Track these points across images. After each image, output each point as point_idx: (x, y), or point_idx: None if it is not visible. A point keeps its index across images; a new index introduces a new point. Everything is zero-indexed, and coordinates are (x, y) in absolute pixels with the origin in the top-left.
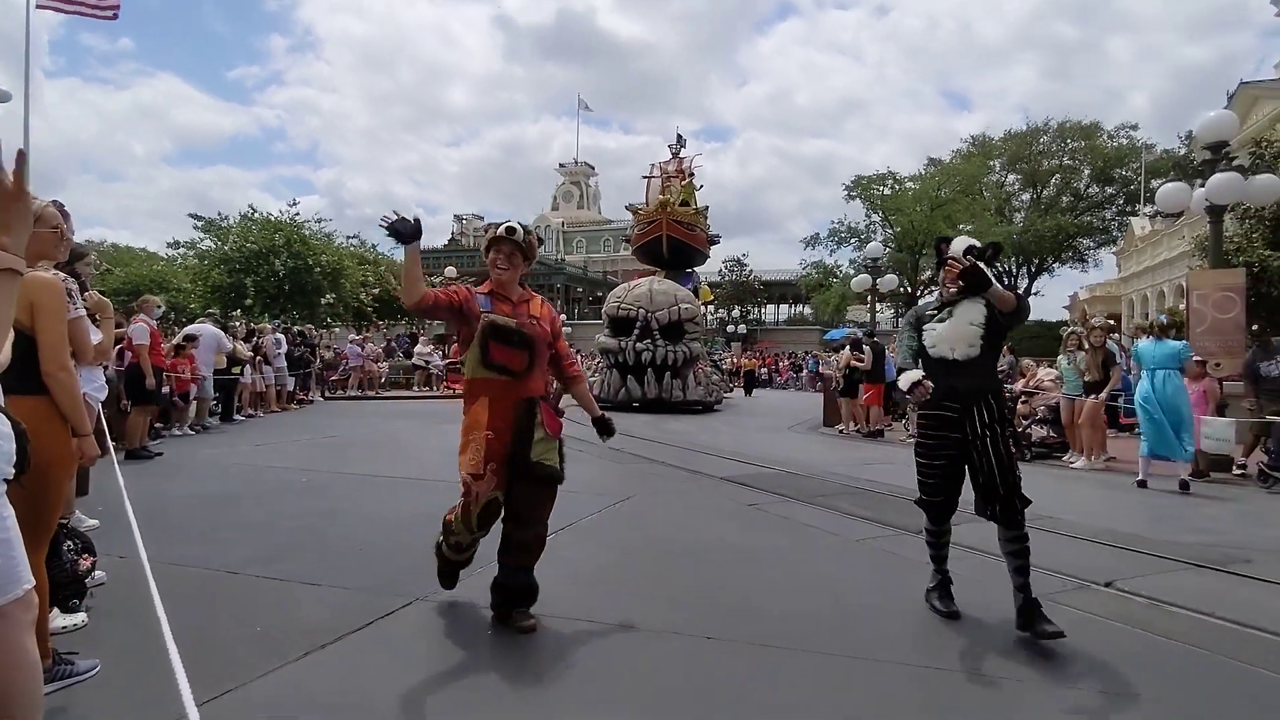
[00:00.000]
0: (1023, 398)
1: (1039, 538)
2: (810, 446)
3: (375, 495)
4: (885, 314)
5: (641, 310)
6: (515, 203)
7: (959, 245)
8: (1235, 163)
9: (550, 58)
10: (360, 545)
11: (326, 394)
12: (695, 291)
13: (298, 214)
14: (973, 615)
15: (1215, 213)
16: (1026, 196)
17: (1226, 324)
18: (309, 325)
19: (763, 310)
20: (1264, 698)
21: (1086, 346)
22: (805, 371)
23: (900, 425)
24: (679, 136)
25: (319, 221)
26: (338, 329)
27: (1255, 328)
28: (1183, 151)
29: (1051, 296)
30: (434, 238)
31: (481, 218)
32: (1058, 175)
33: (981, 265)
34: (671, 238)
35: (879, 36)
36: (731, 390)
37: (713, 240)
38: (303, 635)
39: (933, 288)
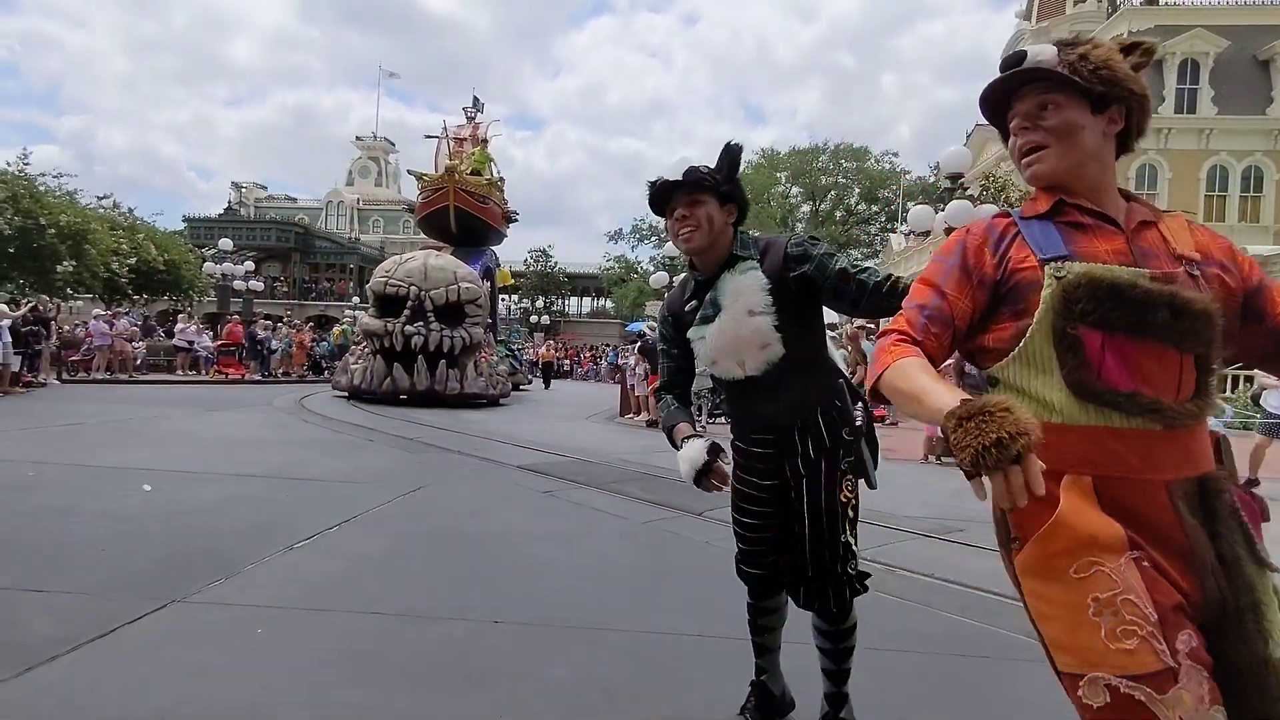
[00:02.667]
0: None
1: None
2: (606, 435)
3: (124, 490)
4: None
5: (413, 288)
6: (304, 174)
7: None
8: (968, 192)
9: (351, 23)
10: (102, 546)
11: (65, 376)
12: (489, 273)
13: (28, 165)
14: None
15: (950, 234)
16: (807, 209)
17: None
18: (41, 296)
19: (566, 302)
20: (961, 639)
21: (849, 348)
22: (605, 363)
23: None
24: (475, 99)
25: (58, 177)
26: (80, 302)
27: None
28: (931, 179)
29: None
30: (208, 205)
31: (265, 187)
32: (833, 191)
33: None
34: (460, 210)
35: (687, 44)
36: (530, 382)
37: (510, 218)
38: (22, 649)
39: None
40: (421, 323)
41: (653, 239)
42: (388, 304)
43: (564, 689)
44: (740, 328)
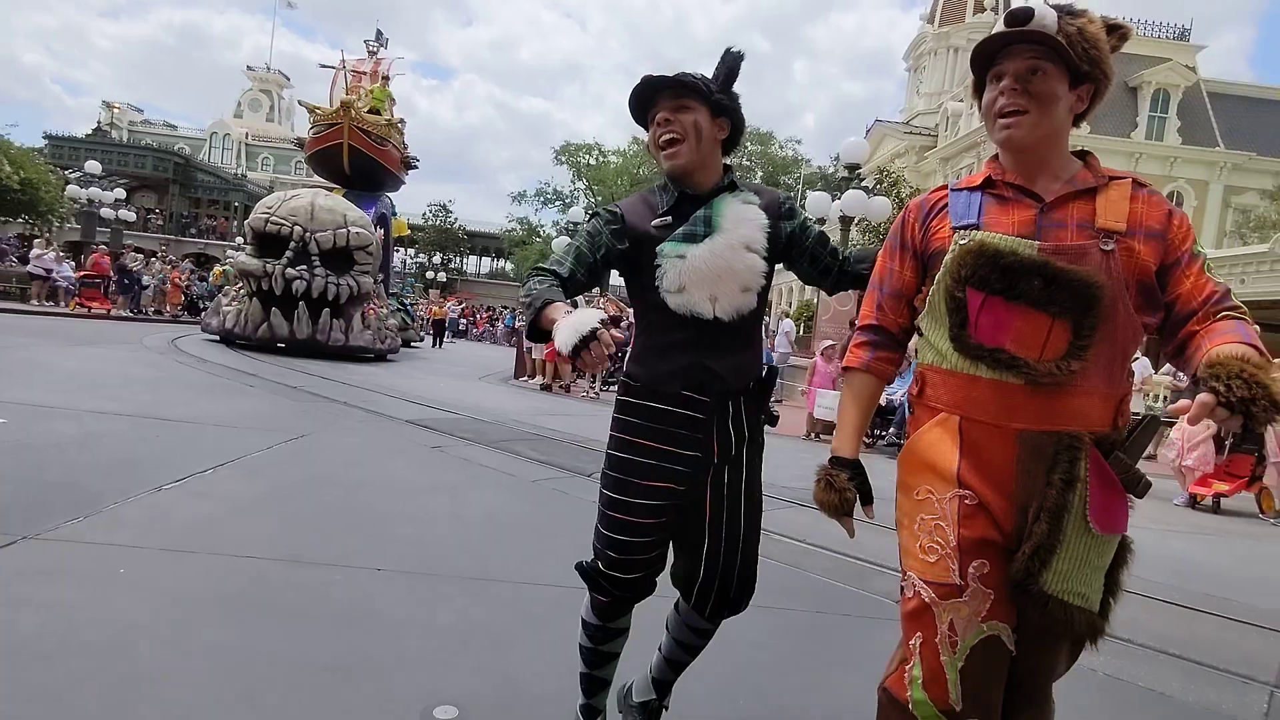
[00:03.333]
0: None
1: None
2: (498, 396)
3: None
4: None
5: (298, 228)
6: (188, 100)
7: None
8: (864, 184)
9: None
10: None
11: None
12: (384, 221)
13: None
14: None
15: (845, 222)
16: None
17: (843, 315)
18: None
19: (465, 261)
20: (828, 598)
21: None
22: (502, 325)
23: (585, 381)
24: (379, 33)
25: None
26: None
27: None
28: (831, 169)
29: None
30: (75, 123)
31: (141, 110)
32: (737, 172)
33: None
34: (354, 149)
35: (605, 7)
36: (422, 339)
37: (409, 163)
38: None
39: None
40: (305, 266)
41: (557, 203)
42: (268, 243)
43: (449, 634)
44: (734, 259)
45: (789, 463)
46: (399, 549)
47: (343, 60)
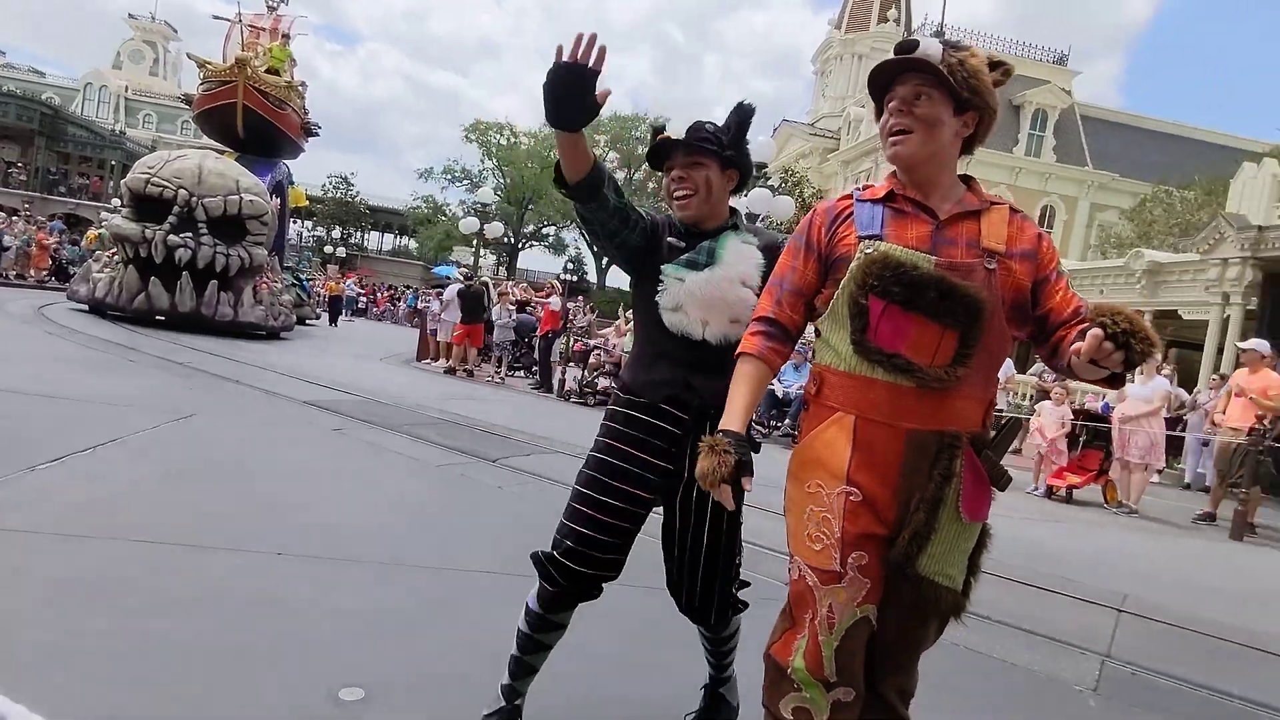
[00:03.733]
0: (595, 352)
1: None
2: (401, 378)
3: None
4: (489, 259)
5: (183, 191)
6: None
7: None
8: (769, 182)
9: None
10: None
11: None
12: (280, 190)
13: None
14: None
15: (751, 219)
16: (622, 176)
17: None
18: None
19: (366, 236)
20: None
21: None
22: (404, 305)
23: (490, 365)
24: None
25: None
26: None
27: None
28: None
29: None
30: None
31: (2, 53)
32: (646, 163)
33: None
34: (250, 110)
35: None
36: (319, 316)
37: (310, 130)
38: None
39: (534, 242)
40: (190, 234)
41: (465, 182)
42: (148, 206)
43: (355, 618)
44: (728, 291)
45: None
46: (302, 534)
47: (239, 14)
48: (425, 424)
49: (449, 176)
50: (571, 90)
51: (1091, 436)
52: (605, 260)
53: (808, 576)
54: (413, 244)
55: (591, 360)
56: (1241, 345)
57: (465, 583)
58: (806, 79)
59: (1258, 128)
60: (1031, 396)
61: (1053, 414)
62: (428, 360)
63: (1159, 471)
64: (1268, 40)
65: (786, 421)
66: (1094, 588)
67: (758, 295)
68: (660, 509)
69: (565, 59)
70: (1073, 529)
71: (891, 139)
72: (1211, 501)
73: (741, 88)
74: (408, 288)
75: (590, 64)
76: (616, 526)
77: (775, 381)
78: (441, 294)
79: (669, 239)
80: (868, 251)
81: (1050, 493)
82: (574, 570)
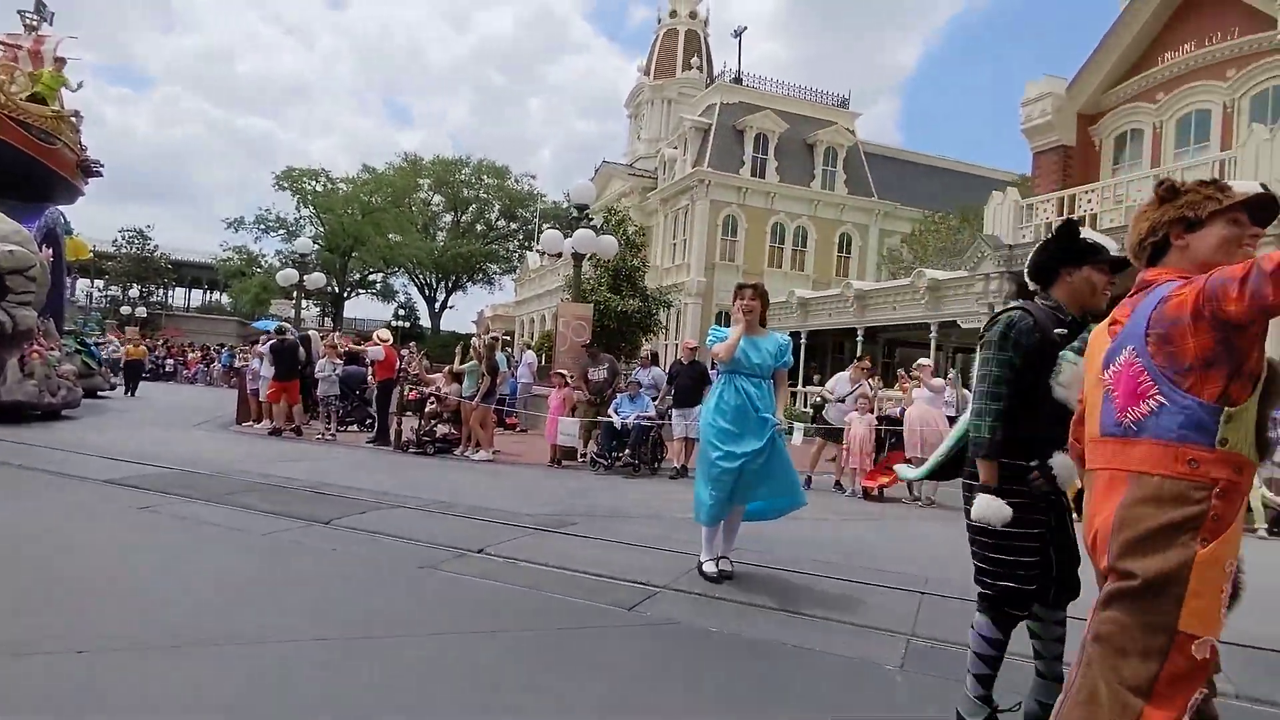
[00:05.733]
0: (431, 400)
1: (446, 523)
2: (219, 444)
3: None
4: (312, 311)
5: None
6: None
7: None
8: (593, 222)
9: None
10: None
11: None
12: (53, 239)
13: None
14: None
15: (577, 258)
16: (449, 219)
17: (579, 346)
18: None
19: (171, 293)
20: (567, 614)
21: (482, 357)
22: (219, 365)
23: (319, 422)
24: (40, 4)
25: None
26: None
27: (589, 346)
28: (564, 205)
29: (464, 311)
30: None
31: None
32: (475, 205)
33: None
34: (7, 145)
35: (331, 28)
36: (113, 385)
37: (90, 168)
38: None
39: (360, 290)
40: None
41: (280, 231)
42: None
43: (181, 710)
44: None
45: (533, 491)
46: (112, 624)
47: None
48: (249, 491)
49: (262, 226)
50: None
51: (896, 439)
52: (439, 304)
53: (1207, 655)
54: (225, 299)
55: (428, 409)
56: None
57: (298, 655)
58: (625, 120)
59: (1006, 159)
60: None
61: (860, 423)
62: (249, 422)
63: None
64: (1006, 82)
65: (626, 452)
66: (900, 575)
67: None
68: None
69: None
70: (884, 524)
71: None
72: None
73: (567, 129)
74: (221, 345)
75: None
76: (1035, 561)
77: (613, 413)
78: (261, 350)
79: (1058, 330)
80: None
81: (866, 494)
82: (1017, 614)
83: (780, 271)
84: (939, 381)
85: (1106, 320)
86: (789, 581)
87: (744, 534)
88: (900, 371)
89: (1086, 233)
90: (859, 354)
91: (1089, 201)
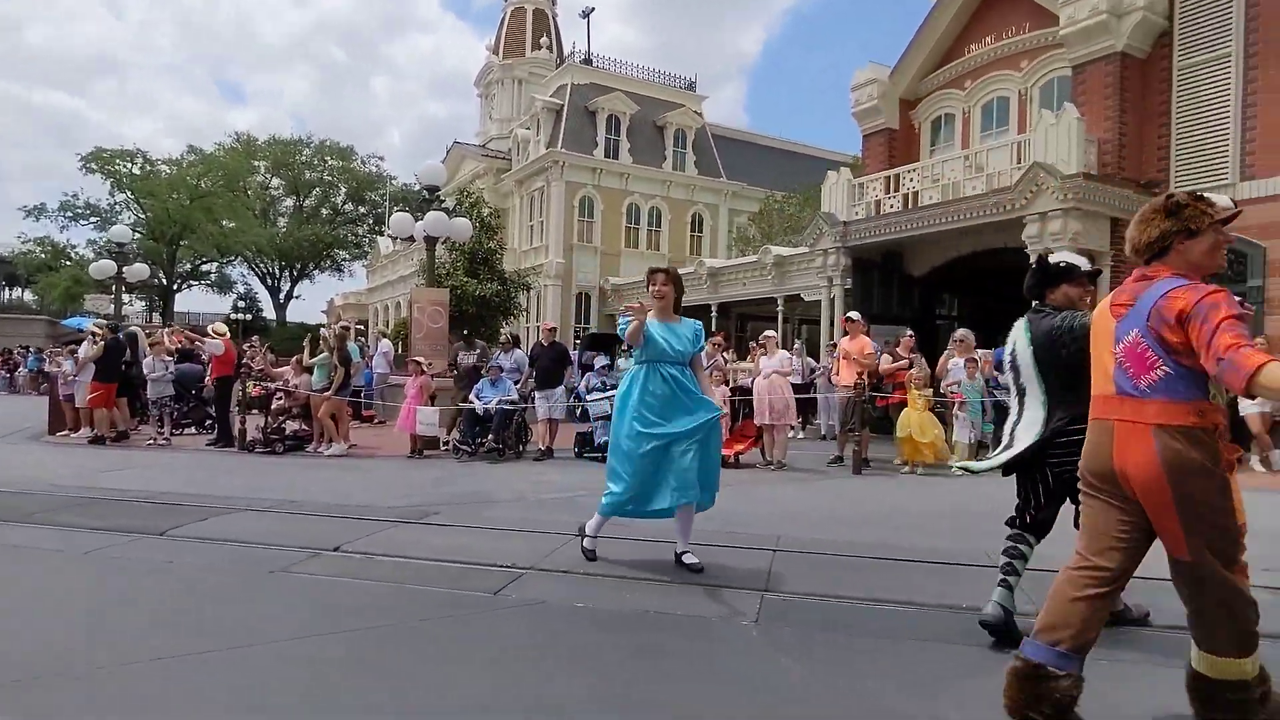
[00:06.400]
0: (276, 395)
1: (298, 523)
2: (29, 458)
3: None
4: (135, 305)
5: None
6: None
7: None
8: (445, 204)
9: None
10: None
11: None
12: None
13: None
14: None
15: (430, 242)
16: (290, 203)
17: (436, 332)
18: None
19: None
20: (429, 605)
21: (333, 348)
22: (24, 370)
23: (150, 427)
24: None
25: None
26: None
27: (465, 333)
28: (416, 187)
29: (312, 301)
30: None
31: None
32: (318, 188)
33: None
34: None
35: None
36: None
37: None
38: None
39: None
40: None
41: (93, 219)
42: None
43: None
44: None
45: (392, 484)
46: None
47: None
48: (67, 507)
49: (68, 213)
50: None
51: (750, 409)
52: (284, 295)
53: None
54: (29, 295)
55: (275, 405)
56: (849, 316)
57: (129, 680)
58: (477, 101)
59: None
60: None
61: (715, 395)
62: (65, 432)
63: (801, 428)
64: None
65: (490, 438)
66: (754, 535)
67: None
68: None
69: None
70: (740, 489)
71: None
72: (838, 446)
73: (417, 109)
74: (25, 348)
75: None
76: None
77: (474, 399)
78: (76, 351)
79: None
80: None
81: (724, 461)
82: None
83: (637, 252)
84: (784, 353)
85: (1107, 301)
86: (650, 550)
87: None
88: (751, 344)
89: (1061, 255)
90: (713, 329)
91: (911, 180)
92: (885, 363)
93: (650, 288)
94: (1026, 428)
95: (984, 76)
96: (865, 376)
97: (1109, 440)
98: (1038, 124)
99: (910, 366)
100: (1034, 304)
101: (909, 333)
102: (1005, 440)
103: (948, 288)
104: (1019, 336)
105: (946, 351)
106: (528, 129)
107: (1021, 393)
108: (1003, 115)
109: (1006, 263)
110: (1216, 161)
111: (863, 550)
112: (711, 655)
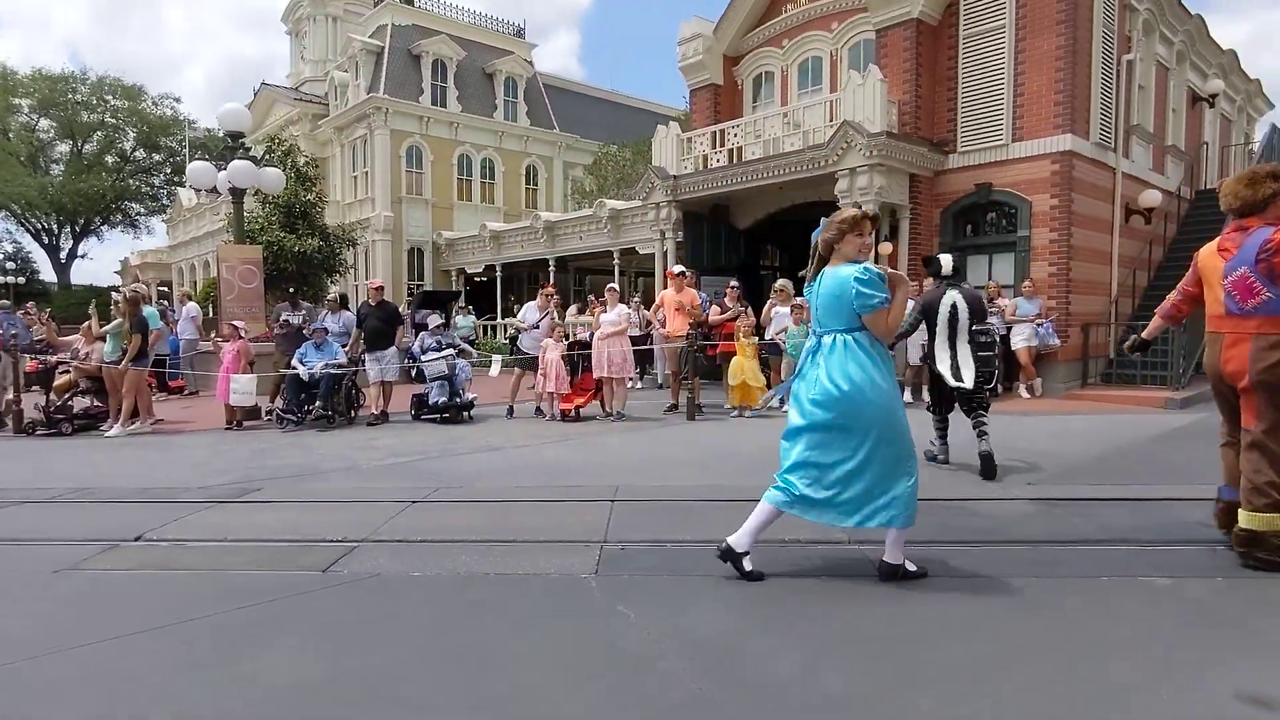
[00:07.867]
0: (61, 369)
1: (90, 512)
2: None
3: None
4: None
5: None
6: None
7: None
8: (252, 153)
9: None
10: None
11: None
12: None
13: None
14: None
15: (236, 194)
16: (65, 148)
17: (249, 293)
18: None
19: None
20: (243, 592)
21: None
22: None
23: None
24: None
25: None
26: None
27: (291, 290)
28: (221, 133)
29: (102, 260)
30: None
31: None
32: (100, 132)
33: None
34: None
35: None
36: None
37: None
38: None
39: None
40: None
41: None
42: None
43: None
44: None
45: (204, 461)
46: None
47: None
48: None
49: None
50: None
51: (588, 362)
52: (65, 254)
53: None
54: None
55: (59, 381)
56: (674, 269)
57: None
58: (287, 39)
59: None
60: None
61: (554, 349)
62: None
63: (639, 378)
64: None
65: (317, 405)
66: (594, 487)
67: None
68: None
69: None
70: (581, 443)
71: None
72: (672, 394)
73: (222, 47)
74: None
75: None
76: None
77: (298, 364)
78: None
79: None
80: None
81: (564, 416)
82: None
83: (471, 204)
84: (622, 306)
85: (1214, 246)
86: (489, 512)
87: (441, 472)
88: (591, 298)
89: (943, 257)
90: (546, 282)
91: (735, 136)
92: (714, 314)
93: (862, 238)
94: (965, 361)
95: (799, 36)
96: (692, 326)
97: (1219, 346)
98: (846, 84)
99: (736, 318)
100: (950, 278)
101: (733, 283)
102: (948, 367)
103: (771, 239)
104: (957, 300)
105: (770, 301)
106: (345, 72)
107: (953, 338)
108: (817, 74)
109: (821, 216)
110: (994, 124)
111: (699, 494)
112: (549, 610)
